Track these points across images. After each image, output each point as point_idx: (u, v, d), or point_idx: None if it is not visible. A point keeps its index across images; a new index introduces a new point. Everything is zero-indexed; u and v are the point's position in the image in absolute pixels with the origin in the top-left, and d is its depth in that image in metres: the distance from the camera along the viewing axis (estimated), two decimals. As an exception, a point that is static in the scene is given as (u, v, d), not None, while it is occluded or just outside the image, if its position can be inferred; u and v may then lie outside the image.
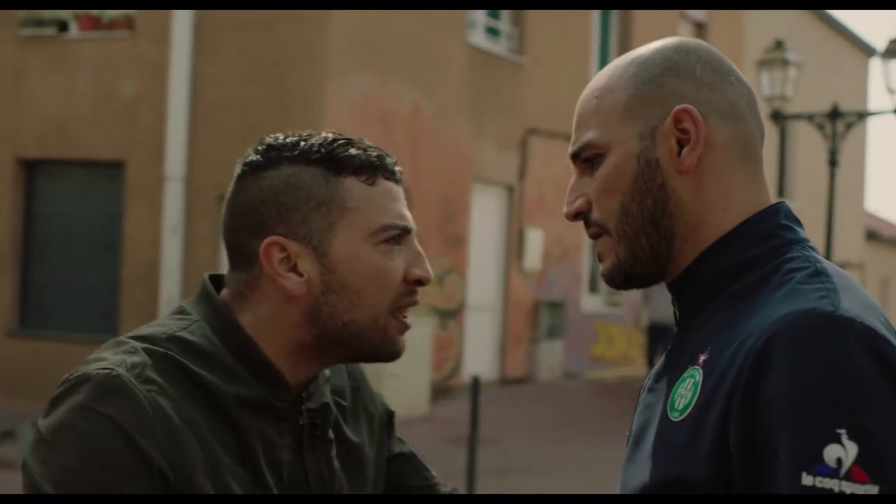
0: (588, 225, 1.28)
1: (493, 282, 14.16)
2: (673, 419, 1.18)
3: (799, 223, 1.26)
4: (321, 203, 1.36)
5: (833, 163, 12.30)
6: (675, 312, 1.29)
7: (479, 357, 13.64)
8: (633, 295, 15.03)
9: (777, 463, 1.05)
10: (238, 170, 1.40)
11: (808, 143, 21.41)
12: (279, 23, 11.08)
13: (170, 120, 11.49)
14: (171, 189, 11.49)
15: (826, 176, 12.58)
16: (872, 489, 1.02)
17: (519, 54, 14.38)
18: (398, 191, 1.41)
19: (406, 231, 1.40)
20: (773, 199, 1.27)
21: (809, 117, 12.80)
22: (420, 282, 1.39)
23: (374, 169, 1.38)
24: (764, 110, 11.89)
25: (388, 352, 1.40)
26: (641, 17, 16.76)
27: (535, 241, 14.53)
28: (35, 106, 12.13)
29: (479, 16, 13.80)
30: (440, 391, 12.39)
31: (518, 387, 13.93)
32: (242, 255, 1.38)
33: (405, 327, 1.40)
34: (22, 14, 12.28)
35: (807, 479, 1.03)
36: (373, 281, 1.36)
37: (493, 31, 14.18)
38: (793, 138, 22.06)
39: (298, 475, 1.38)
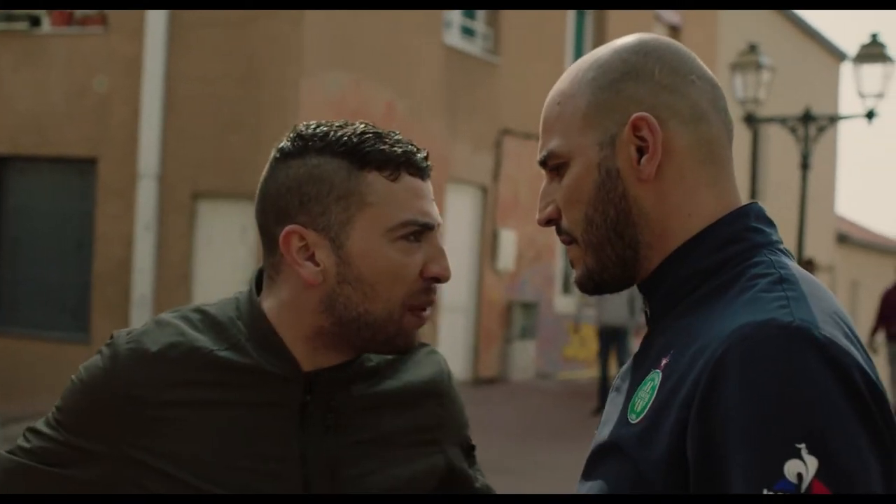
0: (559, 232, 1.28)
1: (467, 282, 14.17)
2: (630, 420, 1.17)
3: (771, 224, 1.24)
4: (342, 196, 1.37)
5: (805, 166, 12.40)
6: (645, 313, 1.29)
7: (452, 357, 13.64)
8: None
9: (734, 479, 1.03)
10: (272, 155, 1.43)
11: (780, 147, 21.55)
12: (254, 20, 11.04)
13: (143, 116, 11.41)
14: (145, 186, 11.42)
15: (798, 179, 12.68)
16: None
17: (494, 55, 14.40)
18: (423, 187, 1.42)
19: (427, 227, 1.40)
20: (746, 201, 1.25)
21: (782, 121, 12.88)
22: (437, 279, 1.40)
23: (399, 165, 1.39)
24: (737, 113, 11.95)
25: (402, 344, 1.42)
26: (616, 19, 16.82)
27: (508, 241, 14.55)
28: (7, 101, 12.02)
29: (455, 16, 13.80)
30: (413, 391, 12.36)
31: (491, 387, 13.94)
32: (269, 239, 1.42)
33: (421, 322, 1.42)
34: (-7, 9, 12.18)
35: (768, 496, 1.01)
36: (387, 276, 1.38)
37: (468, 32, 14.18)
38: (765, 141, 22.19)
39: (288, 450, 1.40)
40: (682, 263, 1.21)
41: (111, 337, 1.45)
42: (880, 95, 12.22)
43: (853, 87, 12.86)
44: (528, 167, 14.55)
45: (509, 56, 14.52)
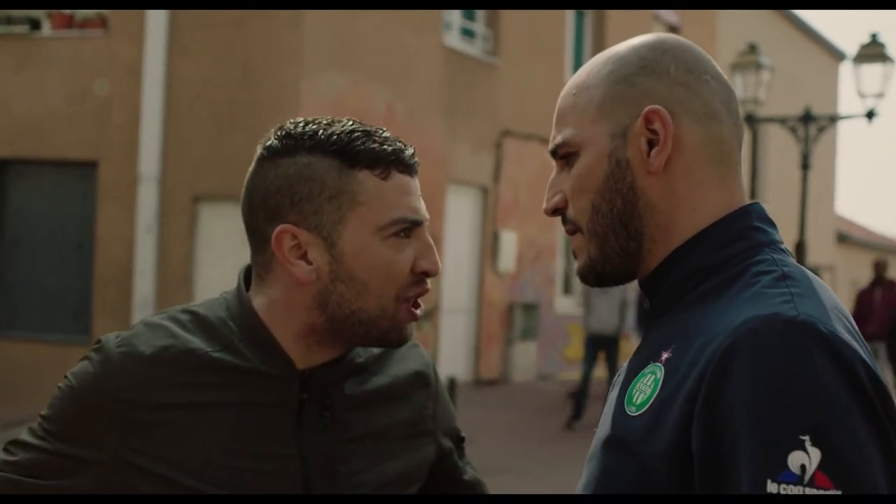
0: (564, 221, 1.29)
1: (467, 283, 14.17)
2: (629, 413, 1.18)
3: (772, 224, 1.26)
4: (333, 195, 1.38)
5: (805, 166, 12.40)
6: (646, 309, 1.30)
7: (454, 358, 13.64)
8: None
9: (740, 470, 1.05)
10: (257, 153, 1.43)
11: (780, 147, 21.55)
12: (253, 22, 11.05)
13: (143, 119, 11.42)
14: (145, 189, 11.43)
15: (798, 179, 12.68)
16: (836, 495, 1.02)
17: (493, 55, 14.40)
18: (412, 183, 1.43)
19: (416, 224, 1.41)
20: (748, 201, 1.26)
21: (782, 121, 12.89)
22: (427, 273, 1.42)
23: (389, 163, 1.40)
24: (737, 113, 11.91)
25: (396, 339, 1.43)
26: (615, 19, 16.82)
27: (509, 242, 14.55)
28: (7, 105, 12.03)
29: (455, 16, 13.81)
30: (414, 392, 12.35)
31: (492, 388, 13.94)
32: (258, 238, 1.43)
33: (414, 316, 1.43)
34: (-7, 12, 12.19)
35: (771, 487, 1.03)
36: (380, 273, 1.39)
37: (468, 33, 14.19)
38: (765, 141, 22.19)
39: (287, 449, 1.40)
40: (686, 260, 1.23)
41: (98, 342, 1.43)
42: (880, 95, 12.23)
43: (853, 87, 12.86)
44: (529, 168, 14.56)
45: (509, 57, 14.52)
